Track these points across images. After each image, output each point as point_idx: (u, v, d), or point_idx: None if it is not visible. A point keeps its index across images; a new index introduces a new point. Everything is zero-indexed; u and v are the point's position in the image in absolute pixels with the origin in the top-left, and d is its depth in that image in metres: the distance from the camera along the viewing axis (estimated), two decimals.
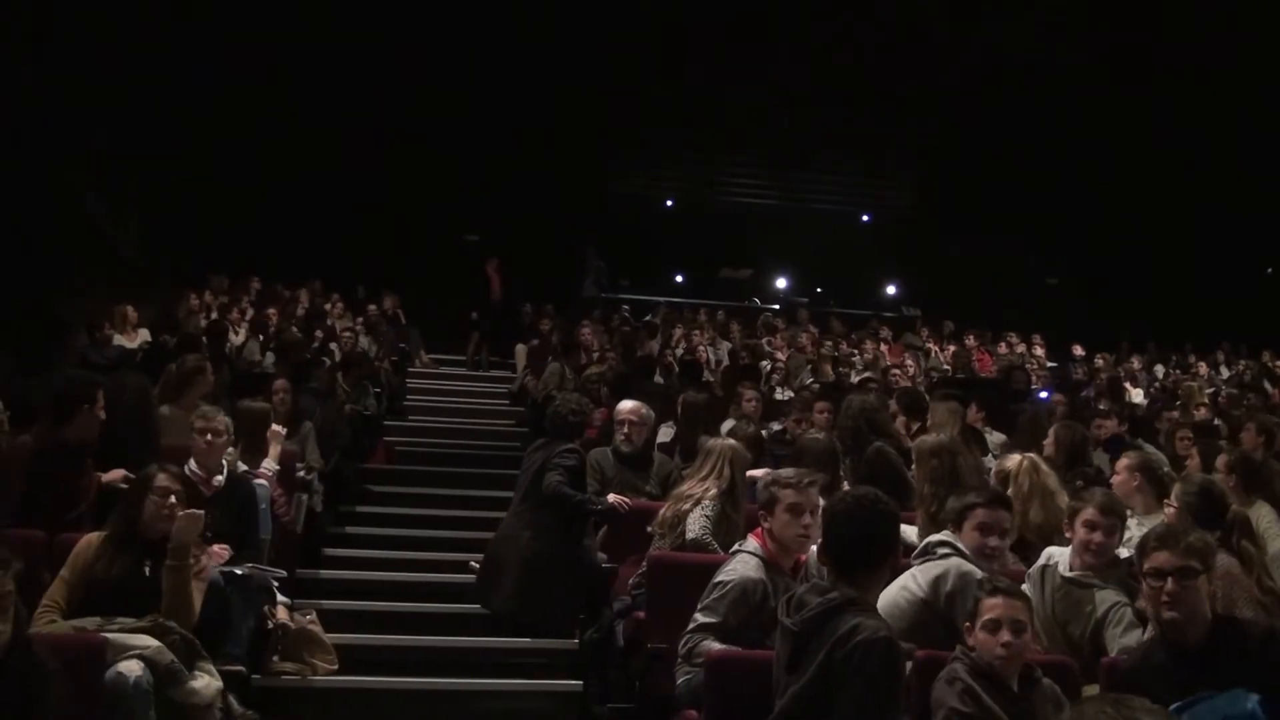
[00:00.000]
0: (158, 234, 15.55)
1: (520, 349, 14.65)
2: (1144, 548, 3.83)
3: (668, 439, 8.34)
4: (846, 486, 6.92)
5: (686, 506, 5.62)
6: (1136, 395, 13.97)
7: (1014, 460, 5.49)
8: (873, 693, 3.27)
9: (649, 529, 5.86)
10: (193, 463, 5.84)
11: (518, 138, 17.88)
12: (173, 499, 4.77)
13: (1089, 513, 4.58)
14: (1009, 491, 5.28)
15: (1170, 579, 3.68)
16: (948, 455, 5.41)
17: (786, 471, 4.67)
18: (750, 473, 6.29)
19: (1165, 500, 5.23)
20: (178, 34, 14.78)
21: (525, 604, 6.56)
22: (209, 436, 5.88)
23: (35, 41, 12.11)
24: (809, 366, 13.35)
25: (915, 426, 7.61)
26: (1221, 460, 6.30)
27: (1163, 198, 18.33)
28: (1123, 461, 5.89)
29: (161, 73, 14.80)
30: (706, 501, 5.59)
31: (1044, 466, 5.50)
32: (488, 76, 17.38)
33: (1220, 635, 3.72)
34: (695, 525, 5.54)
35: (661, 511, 5.76)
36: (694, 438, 7.19)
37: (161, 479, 4.84)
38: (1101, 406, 11.42)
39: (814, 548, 4.46)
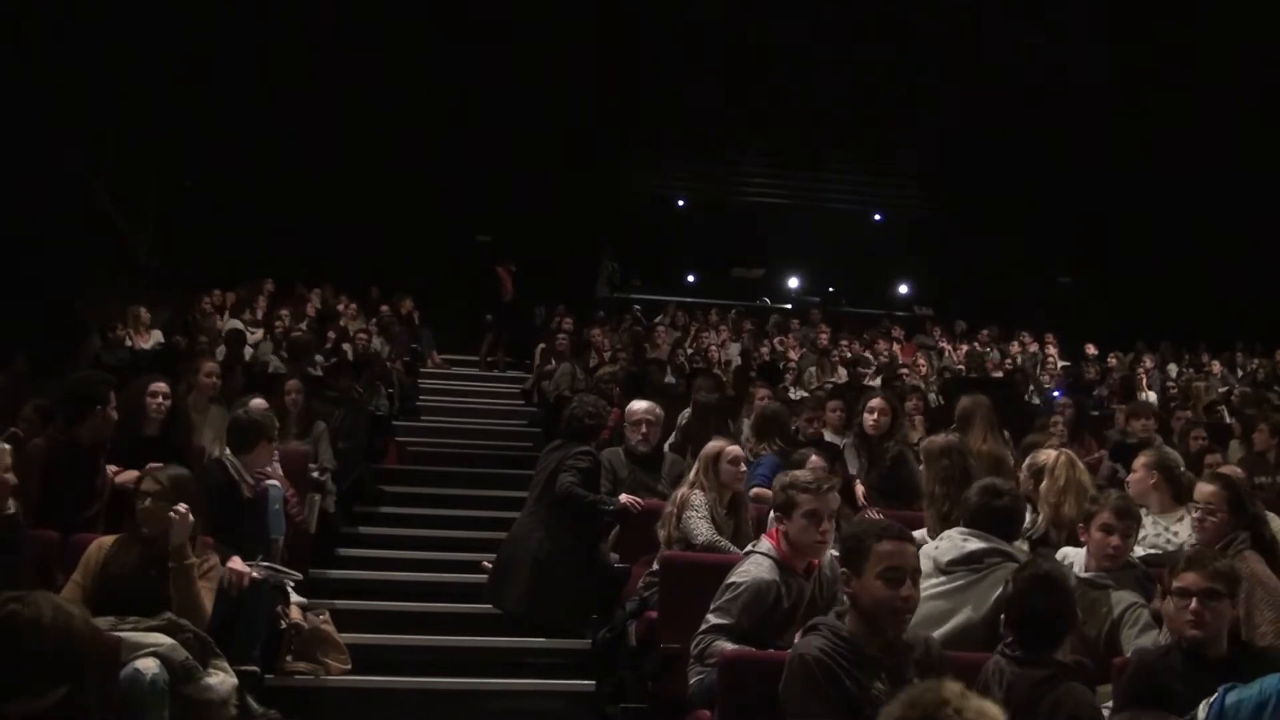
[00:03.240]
0: (173, 237, 15.60)
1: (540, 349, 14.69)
2: (1173, 567, 3.87)
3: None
4: (859, 488, 7.00)
5: (673, 512, 5.68)
6: (1150, 395, 13.91)
7: (1049, 454, 5.47)
8: (791, 709, 3.38)
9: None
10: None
11: (529, 138, 17.87)
12: (149, 501, 4.76)
13: (1105, 516, 4.57)
14: (1043, 485, 5.28)
15: (1195, 599, 3.73)
16: (958, 455, 5.41)
17: (804, 475, 4.65)
18: (756, 491, 6.34)
19: (1193, 502, 5.16)
20: (189, 36, 14.82)
21: (537, 604, 6.57)
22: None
23: (51, 49, 12.15)
24: (813, 367, 13.34)
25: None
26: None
27: (1176, 195, 18.25)
28: (1140, 459, 5.87)
29: (175, 75, 14.84)
30: (694, 502, 5.64)
31: (1080, 463, 5.48)
32: (499, 76, 17.39)
33: (1238, 656, 3.77)
34: (700, 530, 5.56)
35: (660, 529, 5.78)
36: (705, 438, 7.19)
37: (146, 481, 4.86)
38: (1114, 406, 11.40)
39: (830, 551, 4.48)
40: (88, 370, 7.51)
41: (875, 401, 7.44)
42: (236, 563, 5.22)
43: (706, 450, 5.85)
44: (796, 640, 3.57)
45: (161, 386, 6.33)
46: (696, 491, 5.69)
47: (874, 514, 5.94)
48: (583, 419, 6.94)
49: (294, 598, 5.86)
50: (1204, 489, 4.98)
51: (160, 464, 5.08)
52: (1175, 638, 3.81)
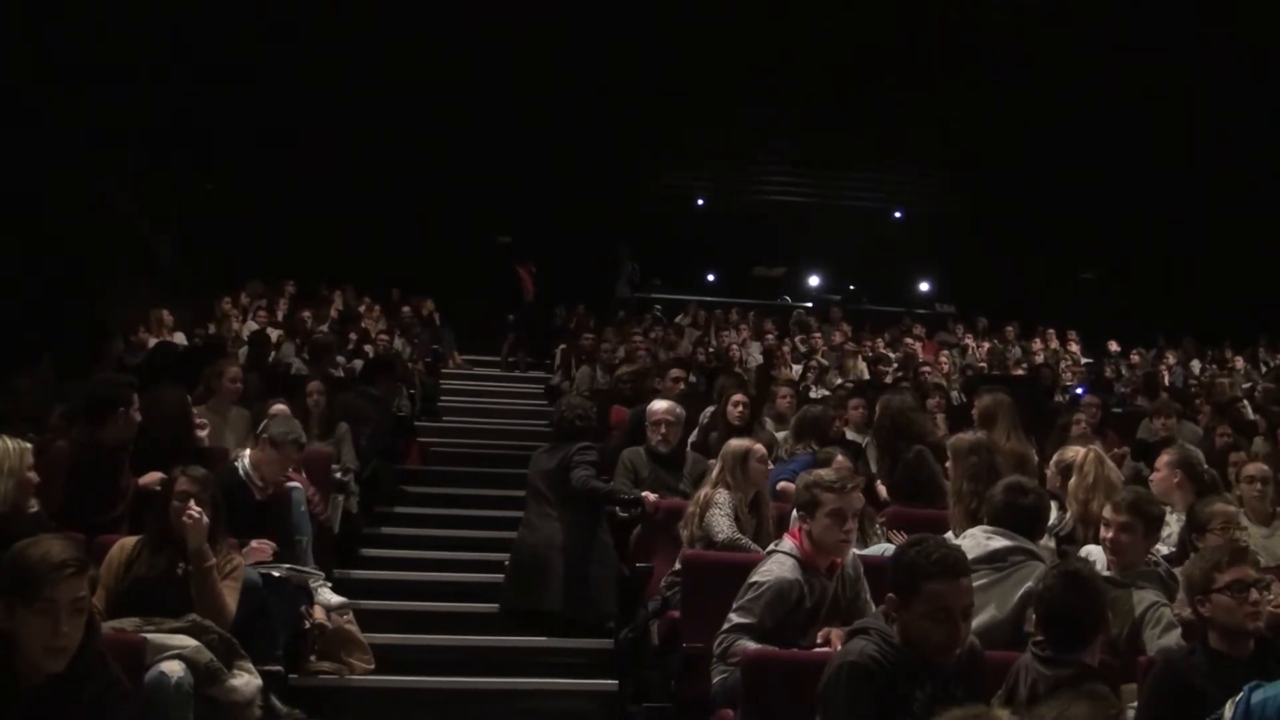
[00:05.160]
0: (195, 239, 15.68)
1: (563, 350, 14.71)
2: (1217, 563, 3.79)
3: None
4: (881, 486, 6.96)
5: (695, 512, 5.64)
6: None
7: (1077, 451, 5.44)
8: (832, 713, 3.34)
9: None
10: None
11: (549, 138, 17.91)
12: (192, 502, 4.78)
13: (1113, 513, 4.54)
14: (1071, 482, 5.25)
15: (1253, 590, 3.70)
16: (986, 452, 5.37)
17: (827, 474, 4.62)
18: (782, 485, 6.31)
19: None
20: (211, 36, 14.89)
21: (575, 600, 6.59)
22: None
23: (72, 50, 12.22)
24: (835, 367, 13.30)
25: None
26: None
27: (1198, 190, 18.14)
28: (1163, 458, 5.83)
29: (195, 78, 14.91)
30: (719, 500, 5.60)
31: (1109, 460, 5.44)
32: (519, 77, 17.41)
33: (1265, 655, 3.74)
34: (722, 527, 5.52)
35: (682, 529, 5.76)
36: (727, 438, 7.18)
37: (182, 483, 4.86)
38: (1139, 403, 11.33)
39: (853, 550, 4.46)
40: (110, 373, 7.55)
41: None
42: (256, 544, 5.29)
43: (733, 449, 5.78)
44: (837, 640, 3.52)
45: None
46: (721, 490, 5.63)
47: (898, 535, 5.81)
48: (573, 420, 6.99)
49: (329, 596, 5.91)
50: None
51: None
52: (1223, 634, 3.74)
